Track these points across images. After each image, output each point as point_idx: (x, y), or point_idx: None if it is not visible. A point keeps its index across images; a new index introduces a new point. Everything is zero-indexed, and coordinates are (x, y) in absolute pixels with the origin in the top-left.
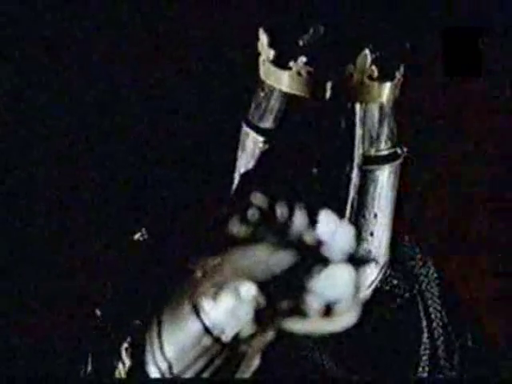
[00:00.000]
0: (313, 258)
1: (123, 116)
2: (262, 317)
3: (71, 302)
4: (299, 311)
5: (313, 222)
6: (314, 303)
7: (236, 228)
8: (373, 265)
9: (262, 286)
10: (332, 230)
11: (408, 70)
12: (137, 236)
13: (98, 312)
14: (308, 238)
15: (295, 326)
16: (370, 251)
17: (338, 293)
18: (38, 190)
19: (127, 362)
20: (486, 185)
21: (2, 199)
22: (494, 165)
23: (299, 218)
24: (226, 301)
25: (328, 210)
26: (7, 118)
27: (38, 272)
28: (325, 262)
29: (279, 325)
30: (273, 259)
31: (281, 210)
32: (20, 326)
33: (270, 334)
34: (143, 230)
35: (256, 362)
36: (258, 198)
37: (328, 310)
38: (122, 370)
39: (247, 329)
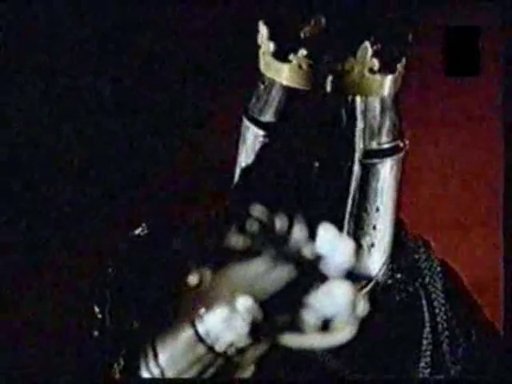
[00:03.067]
0: (311, 273)
1: (122, 109)
2: (258, 330)
3: (68, 299)
4: (295, 326)
5: (312, 235)
6: (310, 319)
7: (234, 239)
8: (376, 259)
9: (259, 300)
10: (331, 244)
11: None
12: (137, 231)
13: (96, 309)
14: (307, 252)
15: (291, 340)
16: (373, 244)
17: (335, 309)
18: (36, 189)
19: (121, 362)
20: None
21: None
22: (494, 162)
23: (298, 231)
24: (221, 311)
25: (328, 223)
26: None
27: (36, 270)
28: (323, 277)
29: (275, 339)
30: (270, 274)
31: (280, 223)
32: (17, 323)
33: (264, 347)
34: (143, 224)
35: (249, 372)
36: (257, 210)
37: (325, 326)
38: (116, 370)
39: (242, 340)
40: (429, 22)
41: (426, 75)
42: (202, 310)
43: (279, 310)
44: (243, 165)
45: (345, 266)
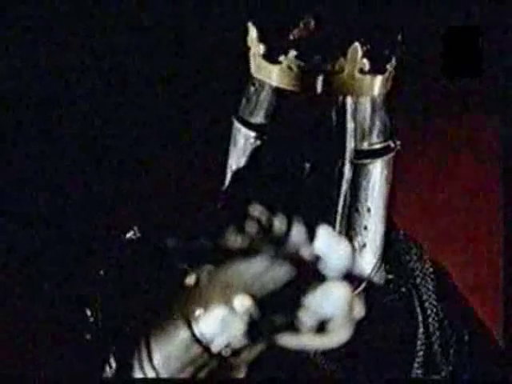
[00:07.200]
0: (309, 274)
1: (113, 111)
2: (255, 330)
3: (59, 302)
4: (292, 327)
5: (311, 236)
6: (307, 319)
7: (233, 238)
8: (368, 259)
9: (257, 299)
10: (329, 245)
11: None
12: (129, 235)
13: (88, 312)
14: (305, 253)
15: (288, 341)
16: (364, 245)
17: (332, 310)
18: (28, 192)
19: (113, 364)
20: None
21: None
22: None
23: (297, 232)
24: (218, 311)
25: (326, 225)
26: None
27: (29, 273)
28: (320, 278)
29: (272, 339)
30: (269, 274)
31: (279, 223)
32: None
33: (259, 348)
34: (135, 228)
35: (242, 373)
36: (256, 210)
37: (321, 327)
38: (108, 372)
39: (238, 341)
40: (429, 21)
41: (425, 76)
42: (199, 311)
43: (277, 310)
44: (234, 166)
45: (343, 267)
